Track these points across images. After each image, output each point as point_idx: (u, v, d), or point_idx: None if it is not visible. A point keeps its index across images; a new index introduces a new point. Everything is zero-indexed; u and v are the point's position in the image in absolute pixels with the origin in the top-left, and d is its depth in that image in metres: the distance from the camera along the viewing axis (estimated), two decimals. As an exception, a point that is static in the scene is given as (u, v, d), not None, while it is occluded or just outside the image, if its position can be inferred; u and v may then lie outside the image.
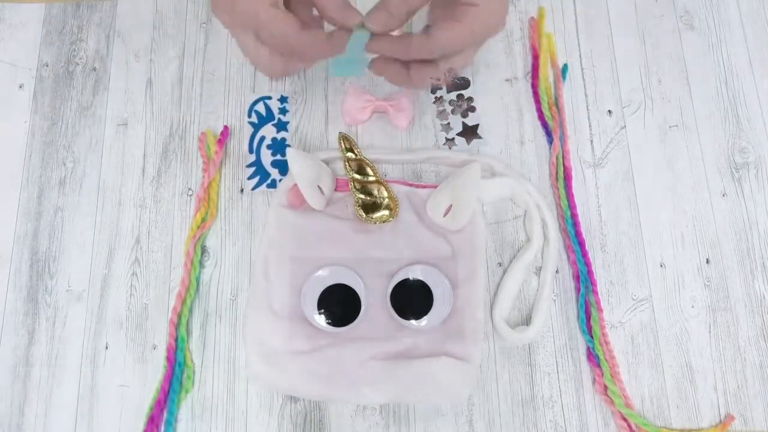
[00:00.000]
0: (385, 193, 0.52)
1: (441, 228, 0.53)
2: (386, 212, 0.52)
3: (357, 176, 0.52)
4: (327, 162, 0.55)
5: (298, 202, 0.52)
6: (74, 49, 0.60)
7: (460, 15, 0.44)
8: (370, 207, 0.52)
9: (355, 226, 0.52)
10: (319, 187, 0.52)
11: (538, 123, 0.58)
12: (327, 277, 0.50)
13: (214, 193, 0.55)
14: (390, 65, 0.47)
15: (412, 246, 0.52)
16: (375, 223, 0.52)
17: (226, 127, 0.57)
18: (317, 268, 0.51)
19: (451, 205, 0.52)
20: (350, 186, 0.52)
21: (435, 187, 0.54)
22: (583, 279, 0.53)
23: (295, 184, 0.52)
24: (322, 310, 0.50)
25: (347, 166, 0.53)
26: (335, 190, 0.54)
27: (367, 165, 0.53)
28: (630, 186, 0.57)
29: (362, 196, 0.52)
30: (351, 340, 0.49)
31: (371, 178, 0.52)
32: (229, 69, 0.59)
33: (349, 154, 0.53)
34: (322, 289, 0.50)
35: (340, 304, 0.50)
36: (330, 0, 0.43)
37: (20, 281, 0.53)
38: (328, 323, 0.50)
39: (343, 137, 0.53)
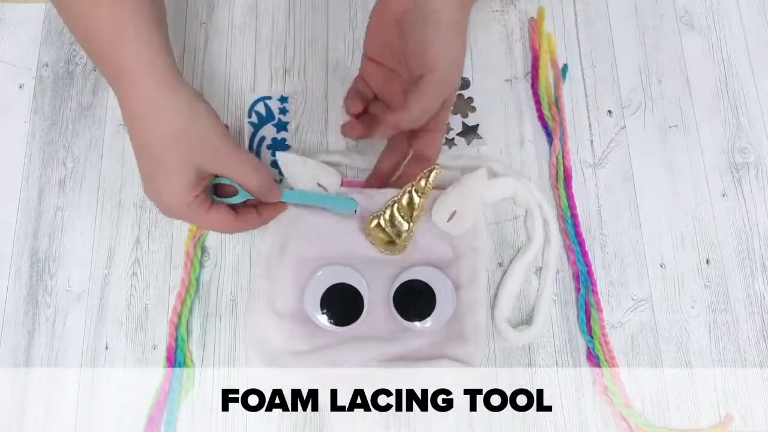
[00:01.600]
0: (403, 235, 0.51)
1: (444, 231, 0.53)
2: (383, 244, 0.51)
3: (402, 206, 0.51)
4: (328, 164, 0.55)
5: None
6: (74, 49, 0.60)
7: (426, 85, 0.45)
8: (379, 230, 0.51)
9: (359, 226, 0.52)
10: (319, 184, 0.52)
11: (538, 123, 0.58)
12: (330, 277, 0.50)
13: (214, 193, 0.55)
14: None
15: (416, 247, 0.52)
16: (369, 239, 0.51)
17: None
18: (320, 267, 0.51)
19: (455, 211, 0.52)
20: (384, 209, 0.51)
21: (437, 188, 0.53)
22: (583, 279, 0.53)
23: None
24: (325, 310, 0.50)
25: (403, 195, 0.51)
26: (341, 186, 0.53)
27: (419, 210, 0.51)
28: (630, 186, 0.57)
29: (383, 220, 0.51)
30: (353, 340, 0.49)
31: (405, 223, 0.51)
32: (229, 69, 0.59)
33: (416, 192, 0.51)
34: (324, 288, 0.50)
35: (342, 304, 0.50)
36: (259, 185, 0.47)
37: (20, 281, 0.53)
38: (331, 323, 0.50)
39: (436, 170, 0.50)
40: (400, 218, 0.51)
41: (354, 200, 0.52)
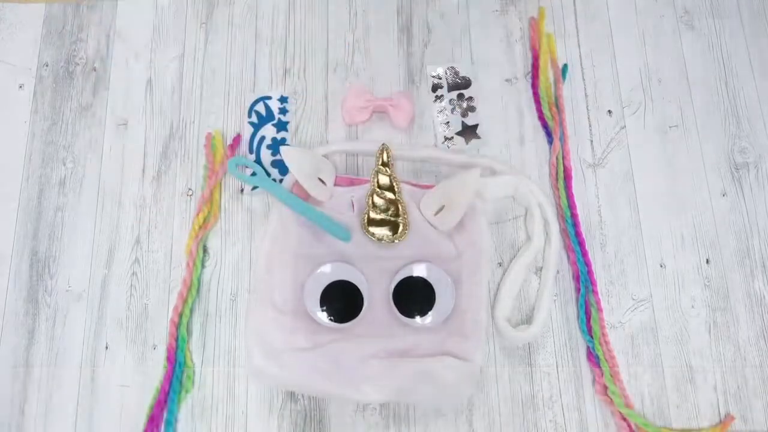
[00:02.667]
0: (399, 216, 0.52)
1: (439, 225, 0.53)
2: (388, 232, 0.51)
3: (378, 189, 0.52)
4: (326, 156, 0.55)
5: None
6: (74, 49, 0.60)
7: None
8: (375, 222, 0.52)
9: (358, 223, 0.52)
10: (320, 179, 0.52)
11: (538, 123, 0.58)
12: (330, 274, 0.51)
13: (216, 194, 0.55)
14: None
15: (416, 244, 0.52)
16: (371, 237, 0.51)
17: (238, 135, 0.57)
18: (320, 264, 0.51)
19: (443, 206, 0.52)
20: (366, 198, 0.52)
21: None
22: (583, 279, 0.53)
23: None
24: (325, 307, 0.50)
25: (374, 178, 0.53)
26: (334, 184, 0.54)
27: (394, 183, 0.52)
28: (630, 186, 0.57)
29: (373, 209, 0.52)
30: (353, 337, 0.49)
31: (389, 195, 0.52)
32: (229, 69, 0.59)
33: (382, 167, 0.53)
34: (324, 285, 0.50)
35: (342, 301, 0.50)
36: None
37: (20, 281, 0.53)
38: (330, 319, 0.50)
39: (385, 149, 0.53)
40: (383, 195, 0.52)
41: (349, 232, 0.52)
